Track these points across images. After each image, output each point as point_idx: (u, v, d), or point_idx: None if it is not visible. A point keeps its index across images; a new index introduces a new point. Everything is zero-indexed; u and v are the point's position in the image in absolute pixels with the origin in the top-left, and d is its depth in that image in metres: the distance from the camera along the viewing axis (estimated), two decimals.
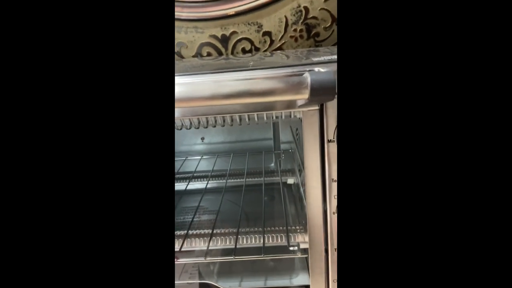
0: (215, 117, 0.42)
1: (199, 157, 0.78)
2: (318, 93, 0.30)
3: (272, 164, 0.79)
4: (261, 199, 0.61)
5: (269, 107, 0.37)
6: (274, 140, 0.79)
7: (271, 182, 0.70)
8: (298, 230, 0.46)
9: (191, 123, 0.45)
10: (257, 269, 0.51)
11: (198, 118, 0.43)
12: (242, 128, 0.77)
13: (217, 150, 0.80)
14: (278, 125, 0.78)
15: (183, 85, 0.32)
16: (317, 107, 0.36)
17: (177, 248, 0.45)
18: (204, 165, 0.77)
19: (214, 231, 0.48)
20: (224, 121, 0.42)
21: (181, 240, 0.47)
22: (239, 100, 0.32)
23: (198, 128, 0.45)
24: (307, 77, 0.30)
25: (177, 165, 0.77)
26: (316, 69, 0.35)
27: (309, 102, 0.32)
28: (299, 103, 0.35)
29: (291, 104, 0.36)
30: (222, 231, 0.49)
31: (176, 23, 0.62)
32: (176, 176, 0.74)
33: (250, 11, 0.61)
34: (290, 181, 0.69)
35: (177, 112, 0.39)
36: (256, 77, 0.35)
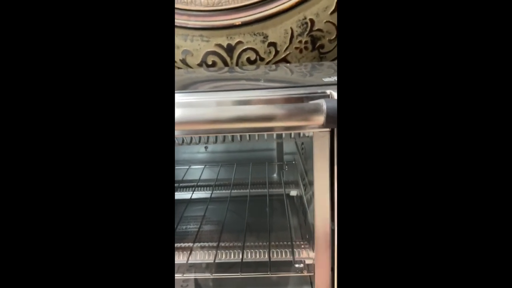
0: (217, 135, 0.42)
1: (203, 166, 0.79)
2: (333, 120, 0.30)
3: (275, 175, 0.80)
4: (264, 210, 0.62)
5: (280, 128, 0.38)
6: (277, 151, 0.79)
7: (274, 193, 0.70)
8: (303, 246, 0.47)
9: (191, 139, 0.45)
10: (259, 283, 0.51)
11: (199, 136, 0.43)
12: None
13: (220, 159, 0.80)
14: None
15: (185, 106, 0.32)
16: (328, 129, 0.36)
17: (183, 261, 0.46)
18: (208, 174, 0.78)
19: (220, 244, 0.49)
20: (232, 138, 0.42)
21: (186, 253, 0.47)
22: (249, 124, 0.32)
23: (198, 143, 0.45)
24: (323, 104, 0.31)
25: (181, 173, 0.77)
26: (328, 91, 0.36)
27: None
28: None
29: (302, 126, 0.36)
30: (228, 244, 0.49)
31: (182, 31, 0.62)
32: (181, 184, 0.74)
33: (256, 21, 0.61)
34: (293, 193, 0.70)
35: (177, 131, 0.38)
36: (269, 97, 0.36)
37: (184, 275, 0.47)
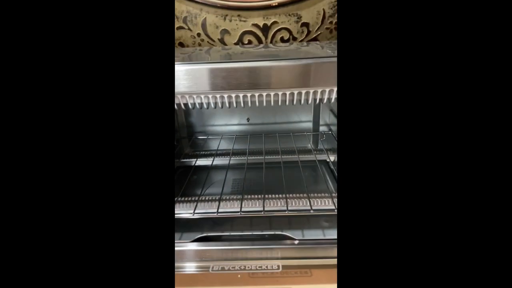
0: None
1: (248, 136, 0.86)
2: None
3: (310, 144, 0.86)
4: (310, 172, 0.70)
5: None
6: (313, 122, 0.85)
7: (311, 159, 0.78)
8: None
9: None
10: (311, 226, 0.59)
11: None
12: (284, 110, 0.84)
13: (260, 130, 0.87)
14: (319, 108, 0.84)
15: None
16: None
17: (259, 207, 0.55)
18: (253, 143, 0.85)
19: (288, 195, 0.58)
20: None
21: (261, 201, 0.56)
22: None
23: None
24: None
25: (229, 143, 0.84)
26: None
27: None
28: None
29: None
30: (294, 195, 0.58)
31: (222, 11, 0.63)
32: (233, 151, 0.82)
33: (291, 3, 0.63)
34: (331, 158, 0.77)
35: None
36: None
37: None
